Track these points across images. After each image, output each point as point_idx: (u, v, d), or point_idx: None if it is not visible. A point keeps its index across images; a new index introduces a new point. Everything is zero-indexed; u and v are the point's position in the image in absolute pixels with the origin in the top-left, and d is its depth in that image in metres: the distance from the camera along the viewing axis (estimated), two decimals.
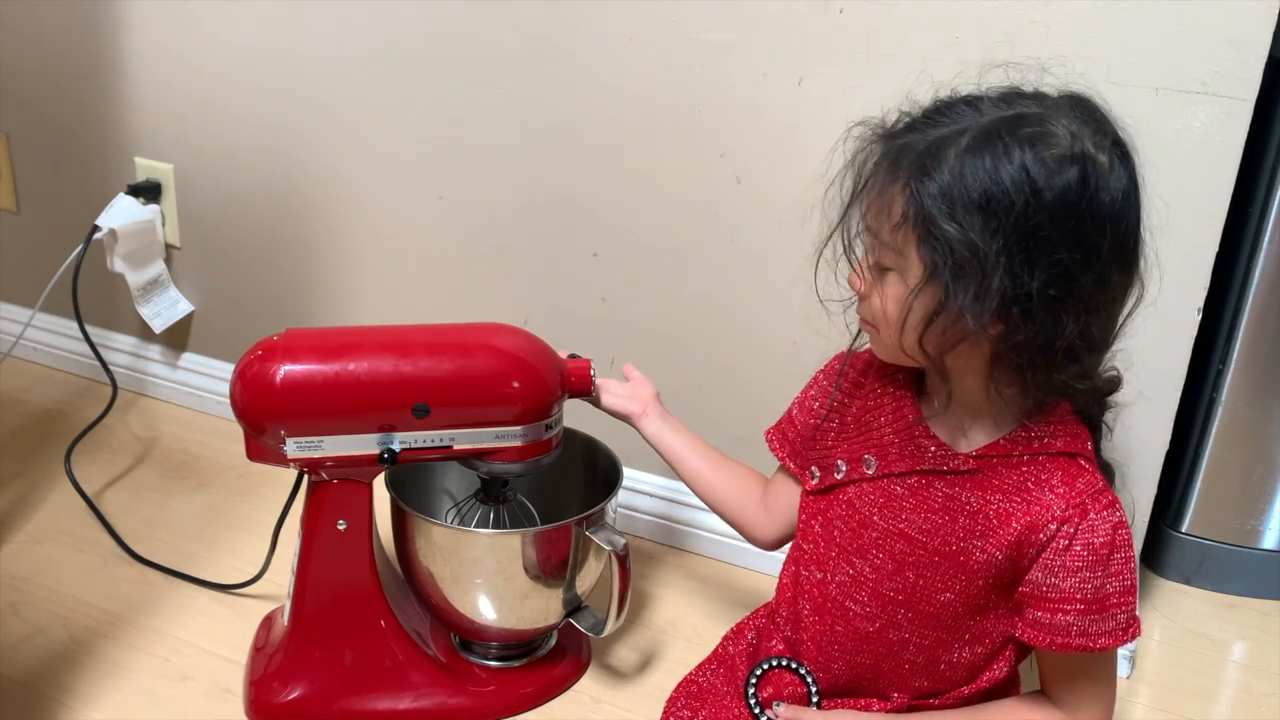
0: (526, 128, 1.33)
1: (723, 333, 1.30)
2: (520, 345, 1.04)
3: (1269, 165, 1.21)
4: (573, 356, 1.07)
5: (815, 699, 0.95)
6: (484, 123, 1.35)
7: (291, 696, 1.07)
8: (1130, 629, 0.85)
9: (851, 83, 1.16)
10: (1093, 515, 0.84)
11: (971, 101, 0.81)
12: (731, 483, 1.08)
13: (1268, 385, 1.30)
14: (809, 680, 0.95)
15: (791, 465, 1.02)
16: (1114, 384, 0.90)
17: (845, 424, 0.97)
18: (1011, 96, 0.81)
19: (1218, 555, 1.37)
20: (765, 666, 0.97)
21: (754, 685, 0.96)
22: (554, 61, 1.29)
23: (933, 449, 0.89)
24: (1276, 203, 1.22)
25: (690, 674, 1.05)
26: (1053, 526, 0.84)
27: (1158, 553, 1.40)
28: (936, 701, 0.93)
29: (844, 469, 0.94)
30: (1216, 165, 1.05)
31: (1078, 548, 0.84)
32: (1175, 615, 1.34)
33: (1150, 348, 1.12)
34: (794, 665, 0.96)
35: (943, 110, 0.82)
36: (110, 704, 1.09)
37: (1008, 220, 0.76)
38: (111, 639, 1.17)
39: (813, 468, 0.98)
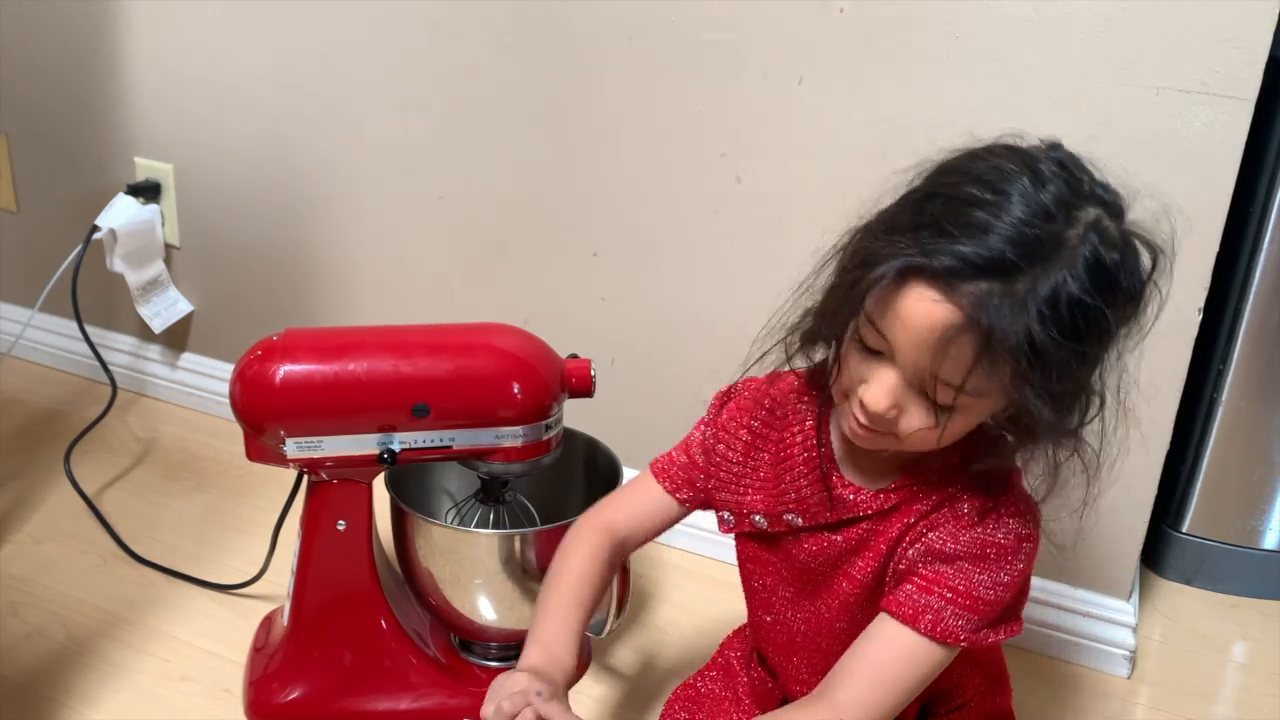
0: (526, 128, 1.33)
1: (722, 332, 1.30)
2: (520, 345, 1.04)
3: (1269, 165, 1.21)
4: (573, 356, 1.07)
5: None
6: (484, 122, 1.35)
7: (291, 697, 1.07)
8: (982, 635, 0.81)
9: (851, 83, 1.16)
10: (994, 518, 0.81)
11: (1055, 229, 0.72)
12: (601, 579, 0.94)
13: (1268, 385, 1.29)
14: None
15: (682, 498, 0.95)
16: None
17: (758, 472, 0.90)
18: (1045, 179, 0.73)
19: (1218, 555, 1.37)
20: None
21: None
22: (554, 61, 1.29)
23: (850, 497, 0.84)
24: (1276, 203, 1.21)
25: (690, 679, 1.04)
26: (948, 514, 0.82)
27: (1158, 553, 1.40)
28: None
29: (764, 523, 0.89)
30: (1216, 165, 1.05)
31: (966, 538, 0.80)
32: (1175, 615, 1.34)
33: (1150, 348, 1.12)
34: None
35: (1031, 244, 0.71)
36: (109, 704, 1.09)
37: (1094, 329, 0.72)
38: (111, 639, 1.17)
39: (725, 514, 0.92)
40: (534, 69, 1.30)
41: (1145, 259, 0.76)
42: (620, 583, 1.05)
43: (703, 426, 0.95)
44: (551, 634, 0.87)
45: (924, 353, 0.72)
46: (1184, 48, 1.02)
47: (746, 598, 0.97)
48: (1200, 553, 1.38)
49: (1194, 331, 1.10)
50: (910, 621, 0.80)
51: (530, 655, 0.85)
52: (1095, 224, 0.72)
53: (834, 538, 0.86)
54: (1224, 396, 1.30)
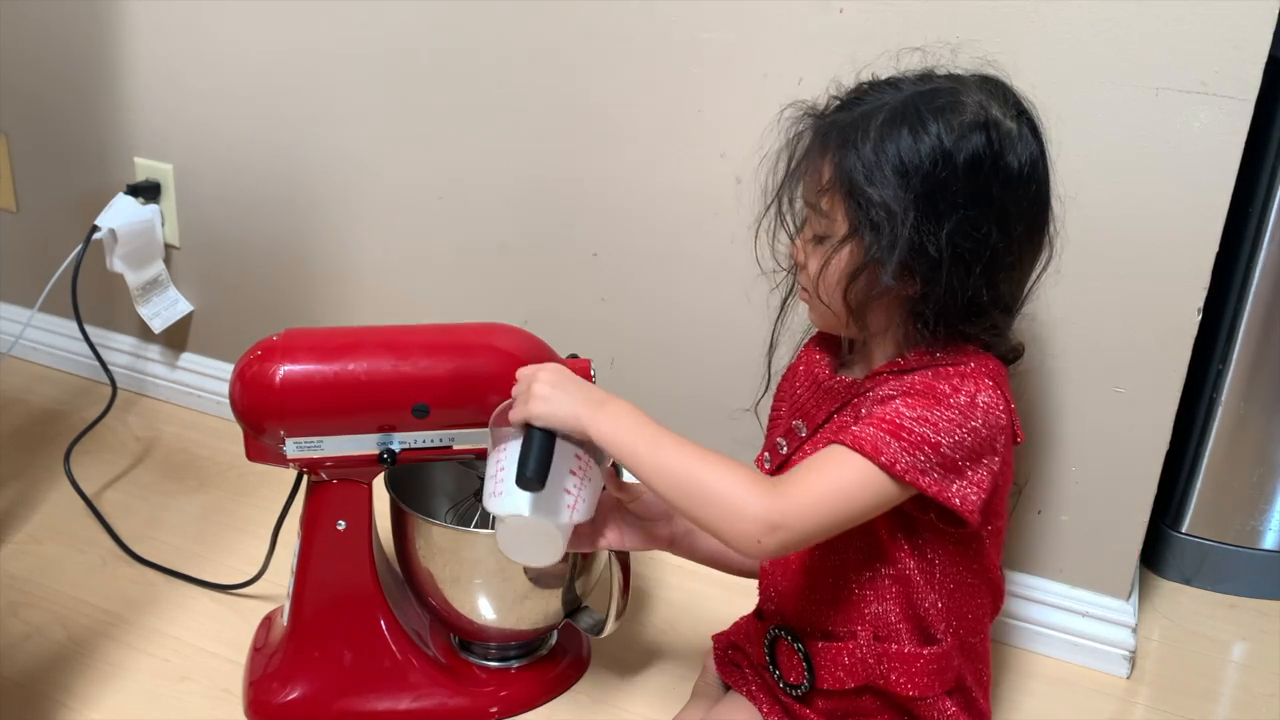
0: (526, 127, 1.33)
1: (722, 333, 1.30)
2: (520, 345, 1.04)
3: (1269, 165, 1.21)
4: (572, 356, 1.07)
5: (807, 676, 0.95)
6: (483, 123, 1.35)
7: (291, 697, 1.07)
8: (911, 469, 0.82)
9: (852, 83, 1.15)
10: (935, 373, 0.86)
11: (892, 82, 0.89)
12: None
13: (1268, 385, 1.29)
14: (797, 646, 0.96)
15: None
16: (1019, 351, 0.95)
17: (783, 403, 1.03)
18: (928, 76, 0.90)
19: (1218, 555, 1.37)
20: (772, 634, 0.99)
21: (769, 650, 0.98)
22: (554, 61, 1.29)
23: (837, 387, 0.94)
24: (1276, 203, 1.22)
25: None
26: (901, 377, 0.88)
27: (1158, 553, 1.40)
28: (905, 637, 0.92)
29: (785, 445, 0.98)
30: (1216, 165, 1.05)
31: (904, 382, 0.87)
32: (1175, 615, 1.34)
33: (1150, 348, 1.12)
34: (785, 634, 0.97)
35: (866, 90, 0.90)
36: (109, 704, 1.09)
37: (919, 180, 0.83)
38: (111, 639, 1.17)
39: (766, 454, 1.01)
40: (534, 69, 1.30)
41: (974, 141, 0.84)
42: (621, 583, 1.05)
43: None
44: None
45: (804, 185, 0.90)
46: (1184, 48, 1.02)
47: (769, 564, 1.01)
48: (1200, 553, 1.38)
49: (1194, 331, 1.10)
50: (838, 438, 0.85)
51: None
52: (925, 92, 0.86)
53: (828, 437, 0.92)
54: (1224, 396, 1.30)
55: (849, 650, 0.93)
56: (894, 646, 0.92)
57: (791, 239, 0.95)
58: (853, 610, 0.93)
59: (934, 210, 0.83)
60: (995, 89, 0.87)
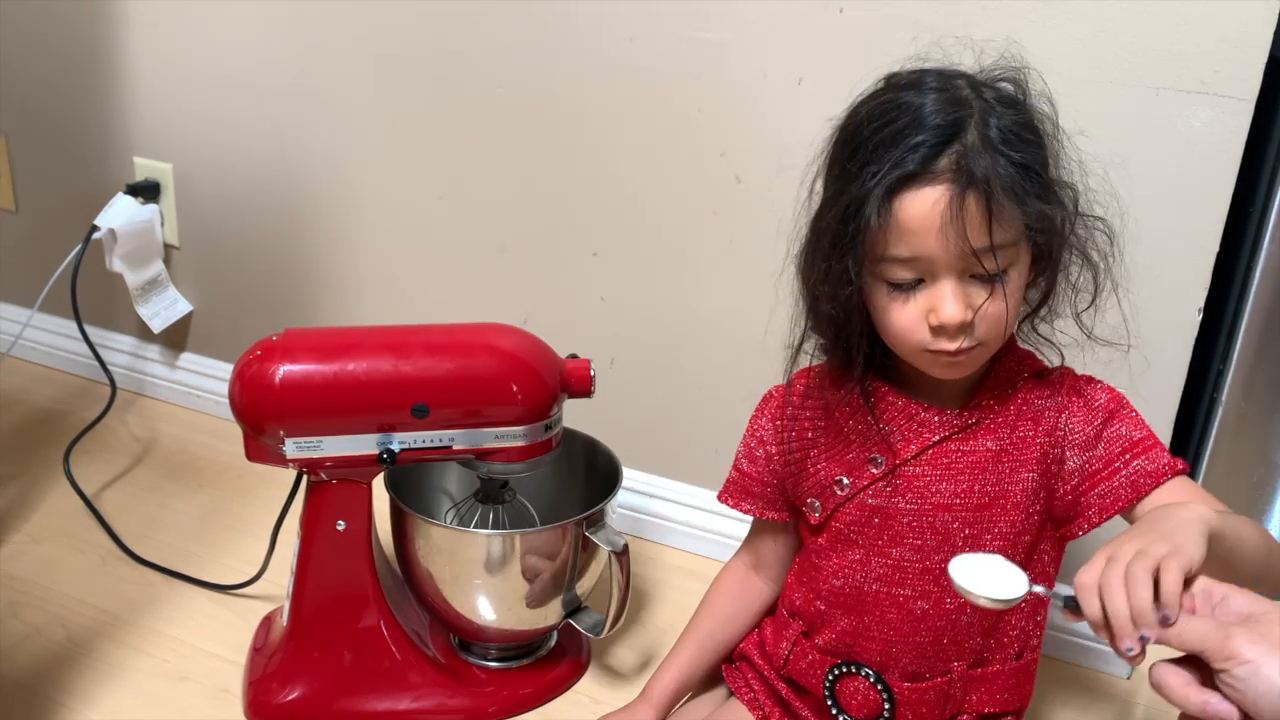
0: (526, 127, 1.33)
1: (722, 333, 1.30)
2: (520, 345, 1.04)
3: (1269, 165, 1.21)
4: (572, 357, 1.07)
5: (887, 707, 0.94)
6: (483, 122, 1.35)
7: (290, 697, 1.07)
8: (1176, 460, 0.88)
9: (851, 83, 1.15)
10: (1085, 391, 0.91)
11: (942, 84, 0.84)
12: (740, 611, 1.06)
13: (1268, 385, 1.29)
14: (879, 685, 0.93)
15: (772, 515, 1.01)
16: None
17: (821, 444, 0.95)
18: (945, 76, 0.86)
19: None
20: (837, 671, 0.95)
21: (830, 688, 0.96)
22: (553, 61, 1.29)
23: (936, 419, 0.90)
24: (1276, 203, 1.21)
25: None
26: (1063, 418, 0.89)
27: None
28: (997, 658, 0.93)
29: (847, 483, 0.93)
30: (1216, 165, 1.05)
31: (1088, 421, 0.89)
32: None
33: (1150, 348, 1.12)
34: (865, 671, 0.94)
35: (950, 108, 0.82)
36: (109, 704, 1.09)
37: (1031, 130, 0.84)
38: (110, 639, 1.17)
39: (810, 500, 0.95)
40: (534, 68, 1.30)
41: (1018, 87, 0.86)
42: (621, 583, 1.05)
43: (745, 437, 1.01)
44: (660, 670, 1.04)
45: (953, 237, 0.78)
46: (1184, 48, 1.02)
47: (804, 580, 0.98)
48: None
49: (1194, 331, 1.10)
50: (1167, 474, 0.86)
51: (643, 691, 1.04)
52: (974, 75, 0.86)
53: (914, 469, 0.89)
54: (1224, 396, 1.30)
55: (936, 686, 0.92)
56: (980, 670, 0.92)
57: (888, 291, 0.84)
58: (959, 649, 0.92)
59: (1074, 201, 0.86)
60: (955, 73, 0.86)
